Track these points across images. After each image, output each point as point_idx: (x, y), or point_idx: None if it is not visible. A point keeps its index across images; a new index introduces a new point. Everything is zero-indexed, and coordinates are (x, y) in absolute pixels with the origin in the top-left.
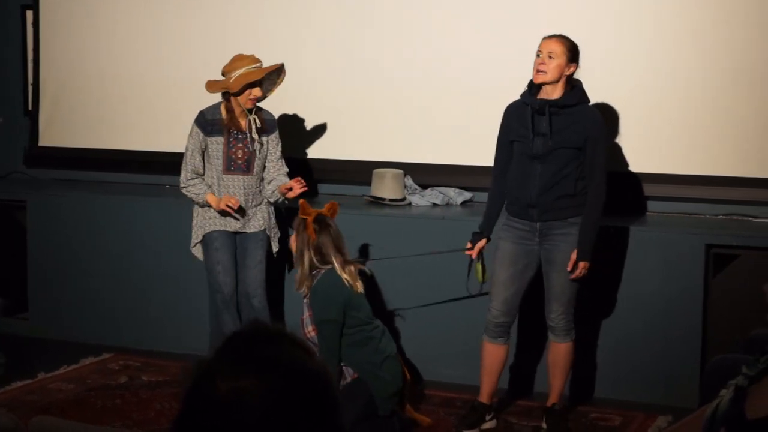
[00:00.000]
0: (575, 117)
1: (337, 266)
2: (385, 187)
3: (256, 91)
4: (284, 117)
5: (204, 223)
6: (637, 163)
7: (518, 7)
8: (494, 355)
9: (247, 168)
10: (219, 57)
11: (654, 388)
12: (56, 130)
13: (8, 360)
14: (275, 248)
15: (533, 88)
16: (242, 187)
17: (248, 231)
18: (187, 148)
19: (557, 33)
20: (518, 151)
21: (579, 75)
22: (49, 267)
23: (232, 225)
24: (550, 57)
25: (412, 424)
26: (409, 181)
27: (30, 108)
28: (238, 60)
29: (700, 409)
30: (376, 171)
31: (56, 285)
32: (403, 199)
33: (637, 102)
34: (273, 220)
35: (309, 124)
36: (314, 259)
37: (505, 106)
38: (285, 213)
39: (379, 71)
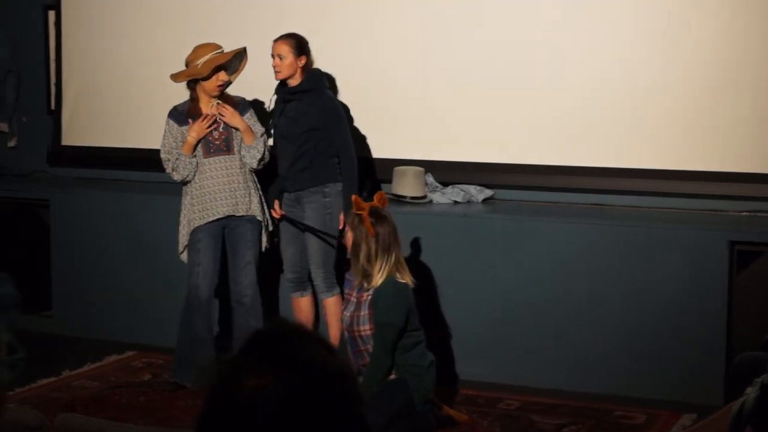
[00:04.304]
0: (311, 101)
1: (397, 266)
2: (406, 184)
3: (223, 75)
4: None
5: (190, 222)
6: (659, 160)
7: (534, 7)
8: (296, 307)
9: (227, 147)
10: None
11: (678, 386)
12: (79, 129)
13: (28, 356)
14: (264, 242)
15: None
16: (224, 168)
17: (237, 214)
18: (162, 146)
19: (286, 33)
20: (275, 134)
21: (596, 67)
22: (73, 265)
23: (221, 210)
24: (280, 58)
25: (449, 421)
26: (430, 178)
27: (53, 107)
28: (201, 48)
29: (725, 407)
30: (397, 169)
31: (80, 283)
32: (424, 197)
33: (659, 97)
34: (264, 208)
35: None
36: (376, 252)
37: (526, 103)
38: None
39: (400, 69)
